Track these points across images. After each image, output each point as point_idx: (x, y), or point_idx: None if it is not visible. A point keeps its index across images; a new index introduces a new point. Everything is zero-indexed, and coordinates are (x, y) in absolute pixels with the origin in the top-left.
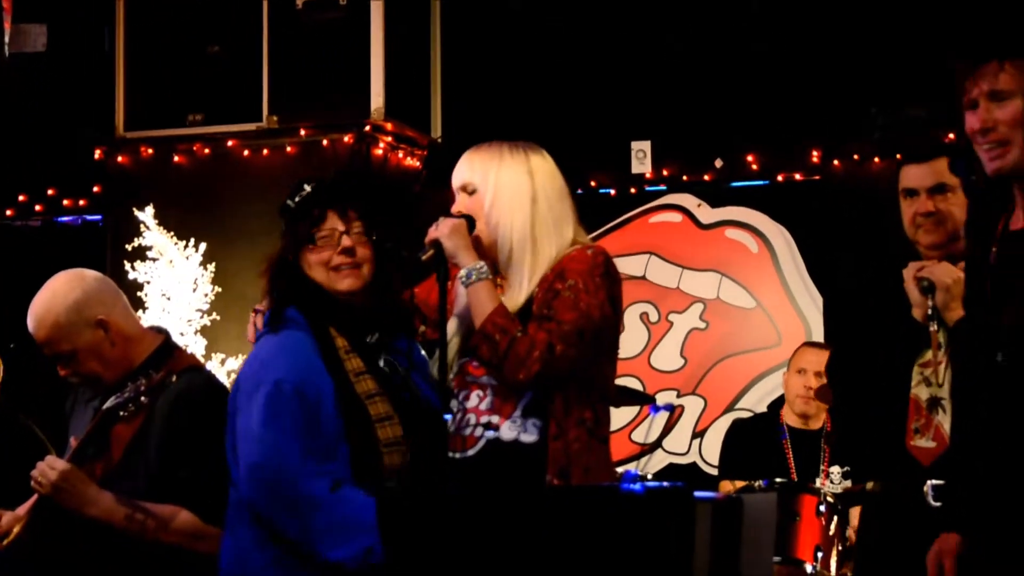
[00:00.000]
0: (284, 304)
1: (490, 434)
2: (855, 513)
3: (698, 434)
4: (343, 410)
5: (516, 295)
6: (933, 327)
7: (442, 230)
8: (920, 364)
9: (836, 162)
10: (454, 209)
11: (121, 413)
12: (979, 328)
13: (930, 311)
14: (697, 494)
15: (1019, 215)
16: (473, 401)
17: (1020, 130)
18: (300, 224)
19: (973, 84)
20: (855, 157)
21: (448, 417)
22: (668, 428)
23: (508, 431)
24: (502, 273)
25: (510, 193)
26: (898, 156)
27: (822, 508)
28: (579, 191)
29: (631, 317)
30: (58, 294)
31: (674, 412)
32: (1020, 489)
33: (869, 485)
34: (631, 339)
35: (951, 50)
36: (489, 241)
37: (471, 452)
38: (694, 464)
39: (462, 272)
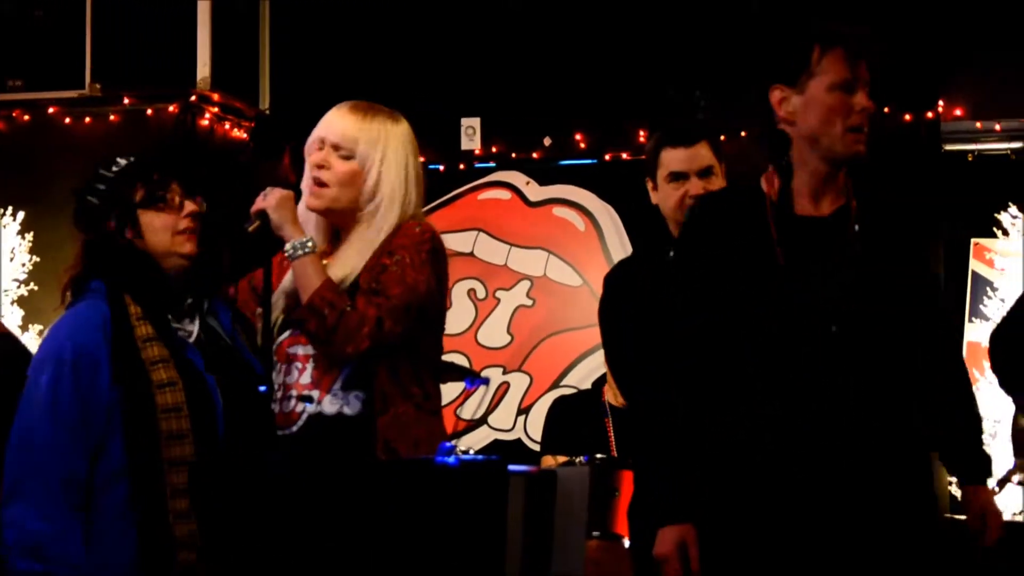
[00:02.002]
0: (90, 276)
1: (311, 408)
2: None
3: (523, 411)
4: (123, 376)
5: (348, 267)
6: None
7: (269, 201)
8: None
9: None
10: (314, 160)
11: None
12: (774, 305)
13: None
14: (511, 467)
15: (801, 201)
16: (293, 375)
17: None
18: (139, 188)
19: (854, 66)
20: None
21: (264, 389)
22: (494, 405)
23: (330, 405)
24: (342, 239)
25: (395, 177)
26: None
27: None
28: None
29: (458, 293)
30: None
31: (498, 389)
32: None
33: None
34: (458, 315)
35: (834, 28)
36: (347, 208)
37: (294, 428)
38: (519, 440)
39: (288, 246)
